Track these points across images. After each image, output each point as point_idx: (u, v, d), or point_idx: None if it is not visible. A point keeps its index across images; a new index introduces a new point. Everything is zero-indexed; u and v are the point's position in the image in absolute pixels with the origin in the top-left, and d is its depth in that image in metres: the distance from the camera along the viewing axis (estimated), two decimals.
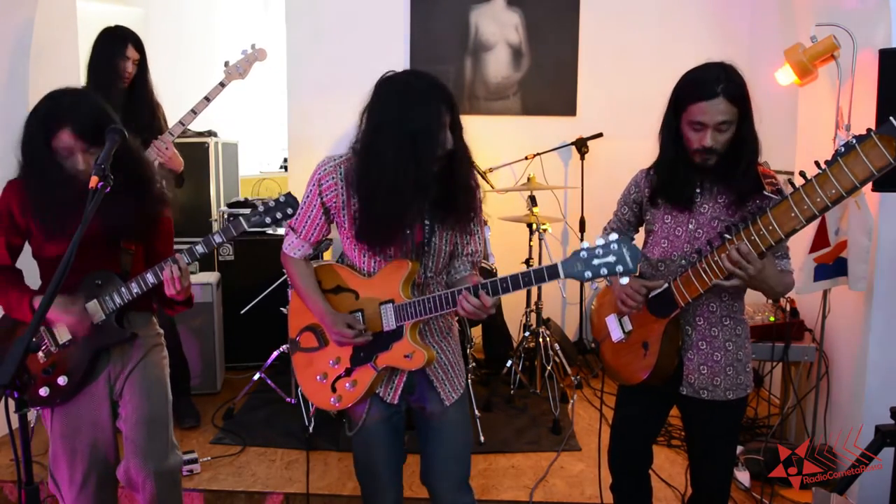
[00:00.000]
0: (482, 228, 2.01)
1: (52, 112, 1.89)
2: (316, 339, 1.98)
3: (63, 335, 2.01)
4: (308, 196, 1.88)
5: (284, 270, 1.98)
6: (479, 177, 2.00)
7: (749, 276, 1.75)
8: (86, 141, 1.89)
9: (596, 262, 1.62)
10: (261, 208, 2.00)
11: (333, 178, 1.83)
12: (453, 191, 1.81)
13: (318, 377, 1.96)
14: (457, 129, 1.78)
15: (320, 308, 1.92)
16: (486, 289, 1.72)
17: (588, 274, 1.63)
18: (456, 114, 1.78)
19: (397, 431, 2.00)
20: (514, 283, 1.70)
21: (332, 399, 1.94)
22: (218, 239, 2.00)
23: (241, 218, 1.99)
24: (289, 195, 1.99)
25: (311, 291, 1.94)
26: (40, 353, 2.01)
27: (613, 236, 1.62)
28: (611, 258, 1.61)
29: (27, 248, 2.06)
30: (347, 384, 1.91)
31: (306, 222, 1.90)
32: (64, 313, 1.96)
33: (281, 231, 3.73)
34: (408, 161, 1.69)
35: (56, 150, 1.89)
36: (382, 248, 1.82)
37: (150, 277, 1.99)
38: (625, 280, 1.62)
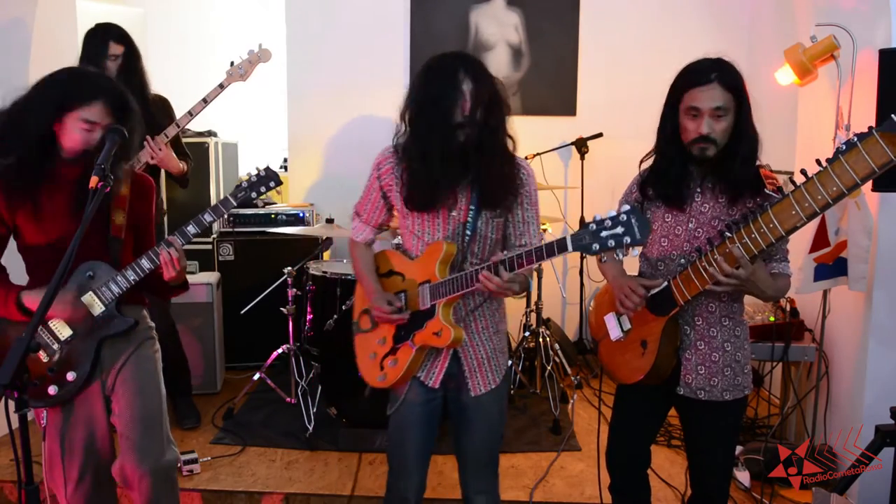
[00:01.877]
0: (538, 221, 2.02)
1: (84, 84, 1.88)
2: (370, 320, 2.09)
3: (64, 331, 2.00)
4: (369, 180, 2.03)
5: (350, 257, 2.16)
6: (525, 163, 2.02)
7: (741, 280, 1.76)
8: (114, 117, 1.91)
9: (604, 234, 1.61)
10: (244, 185, 2.10)
11: (391, 161, 1.96)
12: (486, 167, 1.87)
13: (369, 356, 2.07)
14: (490, 103, 1.85)
15: (371, 288, 2.05)
16: (505, 265, 1.78)
17: (595, 246, 1.62)
18: (482, 84, 1.83)
19: (433, 417, 2.04)
20: (528, 257, 1.74)
21: (378, 377, 2.02)
22: (208, 218, 2.06)
23: (228, 196, 2.09)
24: (267, 168, 2.11)
25: (366, 273, 2.08)
26: (43, 354, 1.99)
27: (625, 207, 1.61)
28: (619, 229, 1.60)
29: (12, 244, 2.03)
30: (390, 362, 1.99)
31: (367, 205, 2.06)
32: (54, 306, 1.92)
33: (278, 230, 3.76)
34: (430, 127, 1.81)
35: (69, 124, 1.87)
36: (428, 210, 1.90)
37: (145, 263, 1.99)
38: (635, 252, 1.61)
